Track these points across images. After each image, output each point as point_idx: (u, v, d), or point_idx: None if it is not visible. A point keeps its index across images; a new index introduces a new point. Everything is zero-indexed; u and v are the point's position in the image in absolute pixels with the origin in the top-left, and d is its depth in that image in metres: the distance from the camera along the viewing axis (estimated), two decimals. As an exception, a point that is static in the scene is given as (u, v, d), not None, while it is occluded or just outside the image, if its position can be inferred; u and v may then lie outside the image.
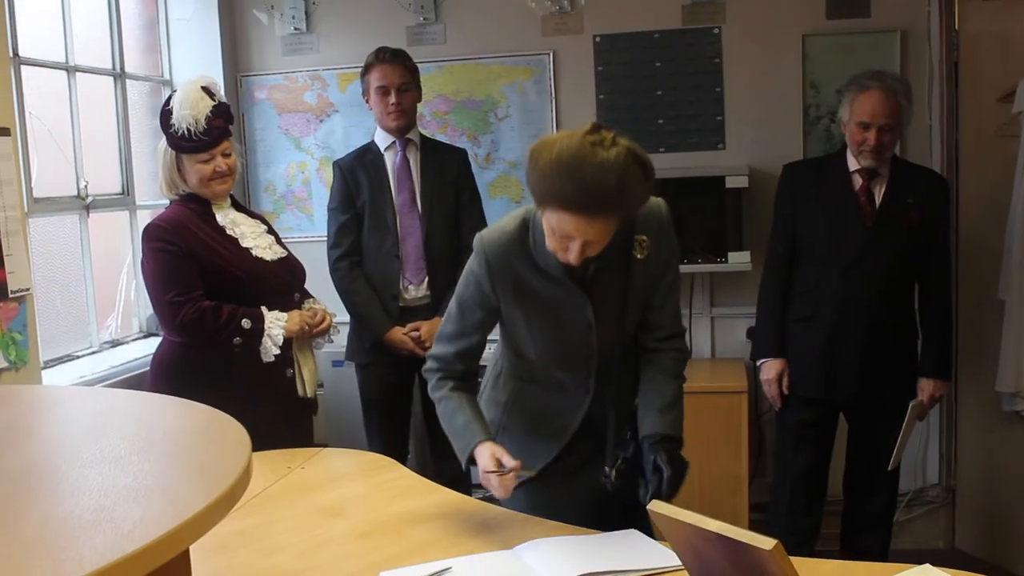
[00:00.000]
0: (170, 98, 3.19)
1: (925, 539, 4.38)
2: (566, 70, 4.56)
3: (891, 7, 4.26)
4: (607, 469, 2.32)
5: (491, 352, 2.61)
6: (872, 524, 3.73)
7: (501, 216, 4.39)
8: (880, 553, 3.63)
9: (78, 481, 1.26)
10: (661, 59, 4.47)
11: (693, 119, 4.47)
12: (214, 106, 3.18)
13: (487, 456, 2.23)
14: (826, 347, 3.57)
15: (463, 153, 4.09)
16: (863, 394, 3.58)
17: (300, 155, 4.82)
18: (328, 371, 4.38)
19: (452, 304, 2.39)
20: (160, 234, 3.15)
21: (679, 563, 2.03)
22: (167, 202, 3.33)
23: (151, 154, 4.32)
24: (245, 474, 1.21)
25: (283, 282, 3.32)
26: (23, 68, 3.62)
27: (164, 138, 3.20)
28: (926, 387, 3.61)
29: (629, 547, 2.16)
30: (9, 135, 3.20)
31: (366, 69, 3.90)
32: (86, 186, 4.01)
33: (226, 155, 3.21)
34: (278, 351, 3.17)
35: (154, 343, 3.43)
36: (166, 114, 3.16)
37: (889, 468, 3.61)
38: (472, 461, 2.30)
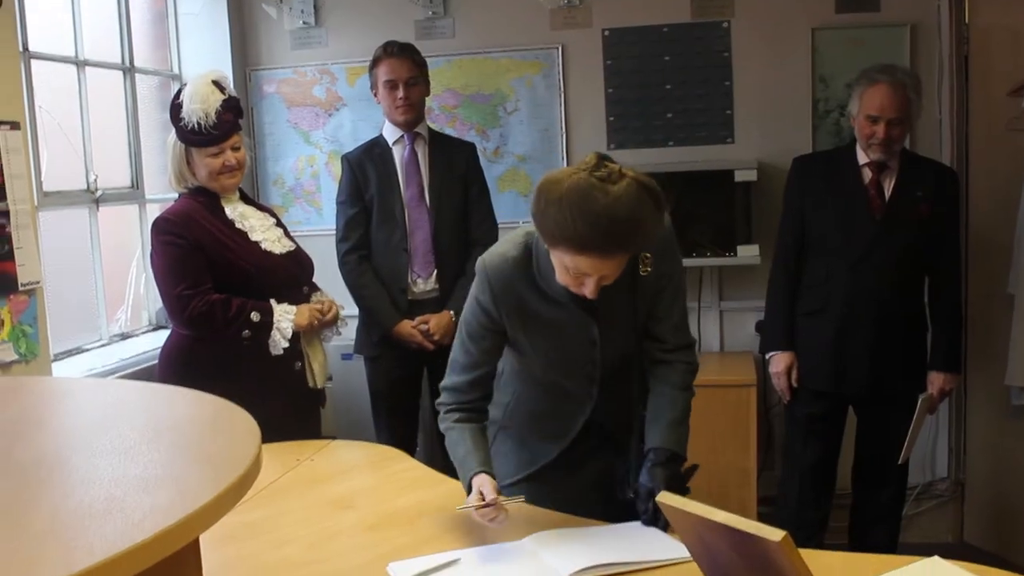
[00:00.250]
0: (180, 91, 3.20)
1: (934, 533, 4.37)
2: (575, 64, 4.56)
3: (901, 1, 4.24)
4: (629, 489, 2.31)
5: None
6: (881, 517, 3.73)
7: (510, 209, 4.46)
8: (888, 546, 3.63)
9: (88, 472, 1.27)
10: (670, 53, 4.46)
11: (702, 113, 4.47)
12: (224, 100, 3.18)
13: (475, 488, 2.21)
14: (836, 340, 3.56)
15: (471, 147, 4.09)
16: (873, 387, 3.57)
17: (309, 149, 4.83)
18: (337, 364, 4.40)
19: (459, 335, 2.35)
20: (169, 227, 3.16)
21: (685, 555, 2.04)
22: (176, 196, 3.34)
23: (160, 148, 4.34)
24: (255, 464, 1.22)
25: (292, 275, 3.33)
26: (33, 62, 3.63)
27: (174, 131, 3.20)
28: (936, 380, 3.61)
29: (638, 539, 2.16)
30: (19, 129, 3.22)
31: (374, 63, 3.90)
32: (95, 180, 4.02)
33: (235, 149, 3.22)
34: (287, 344, 3.18)
35: (163, 336, 3.44)
36: (176, 107, 3.17)
37: (899, 462, 3.61)
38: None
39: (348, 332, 3.76)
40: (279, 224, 3.43)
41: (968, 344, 4.06)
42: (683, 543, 1.84)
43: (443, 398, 2.38)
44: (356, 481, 2.76)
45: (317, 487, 2.63)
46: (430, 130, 4.02)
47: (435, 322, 3.80)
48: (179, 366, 3.20)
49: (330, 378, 4.14)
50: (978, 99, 4.18)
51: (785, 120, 4.37)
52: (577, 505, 2.33)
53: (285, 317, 3.19)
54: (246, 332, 3.13)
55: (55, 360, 3.58)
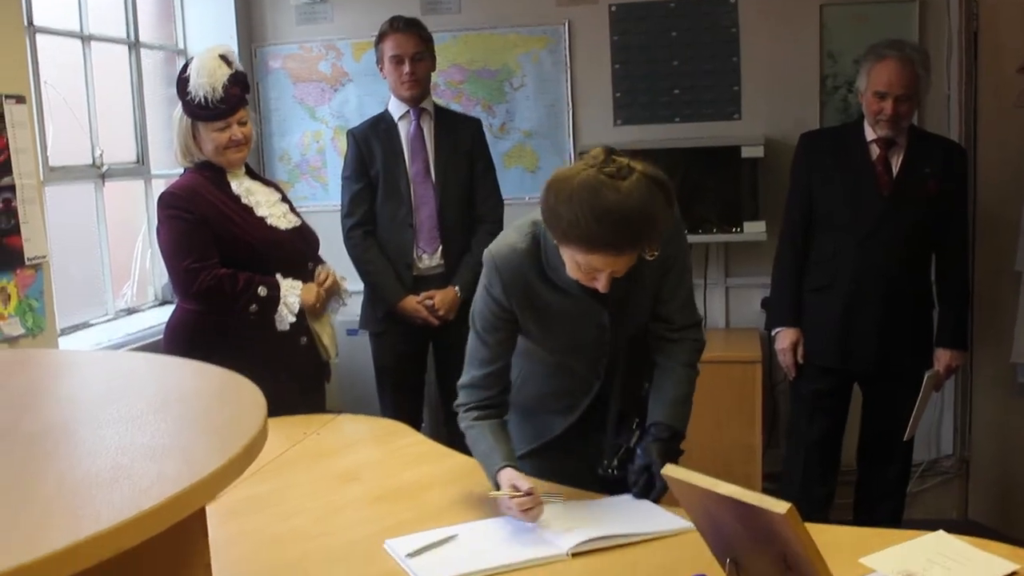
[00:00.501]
0: (187, 65, 3.19)
1: (938, 510, 4.38)
2: (581, 39, 4.53)
3: (910, -24, 4.22)
4: (606, 461, 2.31)
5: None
6: (886, 494, 3.73)
7: (515, 185, 4.45)
8: (893, 522, 3.63)
9: (95, 441, 1.27)
10: (677, 28, 4.44)
11: (709, 89, 4.44)
12: (231, 74, 3.17)
13: (504, 483, 2.17)
14: (843, 317, 3.55)
15: (477, 123, 4.07)
16: (880, 364, 3.57)
17: (315, 124, 4.82)
18: (342, 340, 4.38)
19: (473, 330, 2.32)
20: (175, 202, 3.15)
21: (685, 527, 2.05)
22: (181, 171, 3.33)
23: (166, 123, 4.33)
24: (261, 434, 1.22)
25: (297, 251, 3.33)
26: (38, 37, 3.62)
27: (180, 105, 3.19)
28: (943, 357, 3.61)
29: (634, 512, 2.17)
30: (25, 103, 3.21)
31: (380, 38, 3.88)
32: (101, 155, 4.02)
33: (242, 123, 3.21)
34: (293, 319, 3.18)
35: (169, 311, 3.44)
36: (183, 82, 3.16)
37: (905, 438, 3.61)
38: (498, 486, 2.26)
39: (353, 308, 3.75)
40: (285, 199, 3.43)
41: (975, 321, 4.05)
42: (688, 516, 1.84)
43: (461, 398, 2.35)
44: (362, 455, 2.77)
45: (323, 461, 2.64)
46: (436, 106, 4.00)
47: (440, 298, 3.80)
48: (184, 341, 3.20)
49: (336, 353, 4.15)
50: (987, 75, 4.16)
51: (792, 96, 4.35)
52: (581, 479, 2.33)
53: (292, 292, 3.19)
54: (253, 307, 3.13)
55: (61, 335, 3.58)
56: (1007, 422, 4.18)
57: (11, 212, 3.14)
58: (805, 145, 3.72)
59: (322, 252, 3.47)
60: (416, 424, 3.83)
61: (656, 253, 2.15)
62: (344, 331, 4.38)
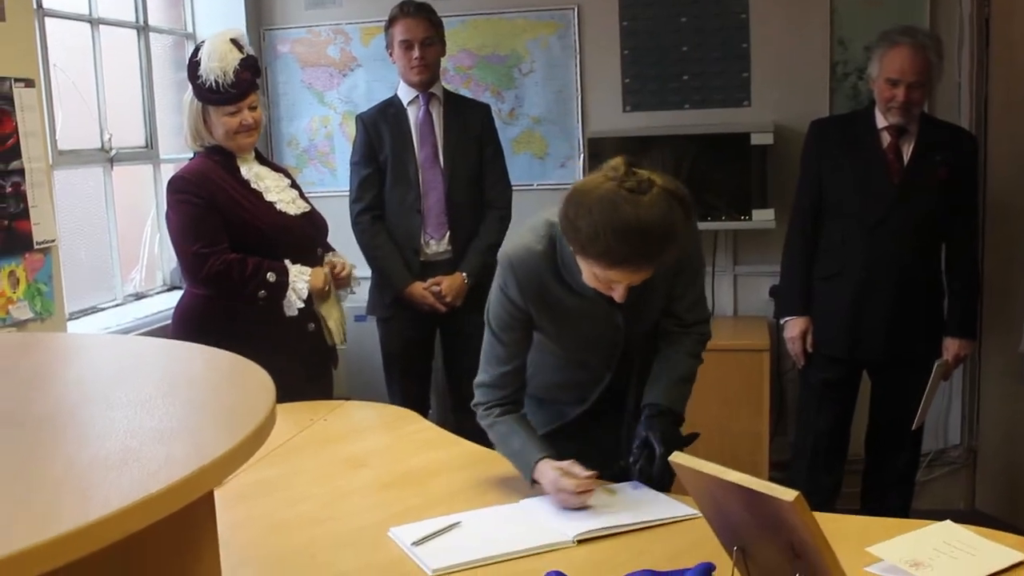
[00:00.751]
0: (198, 49, 3.18)
1: (945, 500, 4.37)
2: (591, 25, 4.52)
3: (922, -38, 4.19)
4: (631, 459, 2.29)
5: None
6: (894, 483, 3.73)
7: (524, 171, 4.45)
8: (901, 512, 3.62)
9: (104, 424, 1.27)
10: (687, 14, 4.42)
11: (718, 75, 4.43)
12: (242, 59, 3.17)
13: (551, 472, 2.15)
14: (853, 305, 3.54)
15: (486, 108, 4.06)
16: (890, 352, 3.56)
17: (323, 109, 4.81)
18: (350, 325, 4.38)
19: (489, 330, 2.31)
20: (185, 186, 3.15)
21: (691, 514, 2.05)
22: (190, 156, 3.33)
23: (174, 108, 4.33)
24: (270, 417, 1.22)
25: (306, 236, 3.32)
26: (47, 20, 3.62)
27: (190, 89, 3.19)
28: (951, 346, 3.59)
29: (640, 499, 2.17)
30: (34, 87, 3.21)
31: (390, 23, 3.87)
32: (110, 139, 4.02)
33: (252, 108, 3.21)
34: (302, 305, 3.18)
35: (177, 296, 3.45)
36: (194, 65, 3.16)
37: (913, 427, 3.60)
38: (534, 480, 2.23)
39: (361, 294, 3.76)
40: (294, 185, 3.43)
41: (983, 311, 4.04)
42: (694, 504, 1.84)
43: (479, 396, 2.34)
44: (369, 441, 2.77)
45: (331, 446, 2.65)
46: (445, 91, 4.00)
47: (447, 284, 3.80)
48: (192, 326, 3.20)
49: (343, 339, 4.16)
50: (999, 63, 4.13)
51: (802, 83, 4.33)
52: (594, 465, 2.32)
53: (300, 278, 3.19)
54: (262, 292, 3.13)
55: (70, 319, 3.59)
56: (1015, 412, 4.17)
57: (20, 196, 3.14)
58: (815, 132, 3.70)
59: (330, 238, 3.47)
60: (423, 410, 3.84)
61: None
62: (352, 317, 4.39)
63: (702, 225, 3.93)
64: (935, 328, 3.61)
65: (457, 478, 2.38)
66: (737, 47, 4.40)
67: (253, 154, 3.32)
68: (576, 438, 2.31)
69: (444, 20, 3.97)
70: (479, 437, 2.58)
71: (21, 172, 3.14)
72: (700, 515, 1.85)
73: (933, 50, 3.46)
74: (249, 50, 3.23)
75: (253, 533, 2.10)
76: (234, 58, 3.14)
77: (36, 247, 3.21)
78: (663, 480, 2.20)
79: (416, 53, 3.80)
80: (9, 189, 3.10)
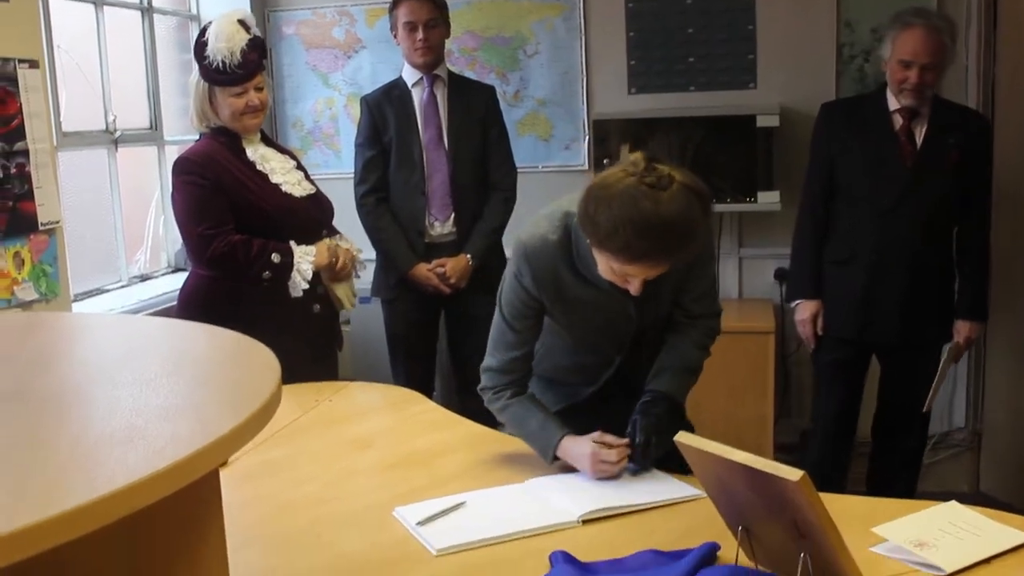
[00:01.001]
0: (205, 29, 3.17)
1: (950, 482, 4.37)
2: (596, 7, 4.50)
3: (930, -57, 4.17)
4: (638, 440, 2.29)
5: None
6: (901, 466, 3.71)
7: (529, 153, 4.44)
8: (907, 495, 3.63)
9: (109, 402, 1.27)
10: (693, -4, 4.41)
11: (724, 57, 4.41)
12: (249, 40, 3.16)
13: (587, 446, 2.18)
14: (864, 289, 3.51)
15: (491, 90, 4.05)
16: (901, 336, 3.53)
17: (328, 91, 4.80)
18: (354, 308, 4.40)
19: (499, 316, 2.32)
20: (190, 167, 3.15)
21: (696, 495, 2.06)
22: (195, 138, 3.33)
23: (179, 89, 4.33)
24: (275, 395, 1.22)
25: (312, 218, 3.32)
26: (51, 1, 3.61)
27: (196, 70, 3.18)
28: (962, 329, 3.57)
29: (645, 480, 2.18)
30: (38, 68, 3.20)
31: (394, 4, 3.86)
32: (114, 120, 4.01)
33: (259, 89, 3.20)
34: (307, 286, 3.18)
35: (182, 278, 3.45)
36: (201, 46, 3.15)
37: (924, 410, 3.59)
38: (555, 458, 2.25)
39: (366, 276, 3.75)
40: (300, 167, 3.42)
41: (990, 293, 4.02)
42: (700, 484, 1.84)
43: (487, 381, 2.35)
44: (374, 422, 2.77)
45: (336, 427, 2.65)
46: (449, 72, 3.98)
47: (451, 265, 3.80)
48: (198, 307, 3.20)
49: (347, 322, 4.16)
50: (1006, 44, 4.11)
51: (809, 65, 4.32)
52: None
53: (305, 259, 3.19)
54: (266, 273, 3.13)
55: (75, 300, 3.60)
56: (1021, 395, 4.16)
57: (25, 177, 3.14)
58: (825, 115, 3.66)
59: (335, 220, 3.47)
60: (428, 392, 3.84)
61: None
62: (356, 299, 4.38)
63: (707, 207, 3.93)
64: (946, 311, 3.59)
65: (462, 458, 2.39)
66: (743, 29, 4.38)
67: (259, 136, 3.32)
68: (585, 419, 2.30)
69: (449, 2, 3.96)
70: (483, 418, 2.58)
71: (26, 153, 3.14)
72: (705, 496, 1.86)
73: (947, 33, 3.41)
74: (256, 31, 3.22)
75: (259, 513, 2.10)
76: (241, 39, 3.13)
77: (41, 228, 3.21)
78: (646, 464, 2.21)
79: (420, 35, 3.78)
80: (14, 170, 3.10)
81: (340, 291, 3.36)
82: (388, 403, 2.95)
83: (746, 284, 4.53)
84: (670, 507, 2.05)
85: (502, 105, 4.10)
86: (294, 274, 3.16)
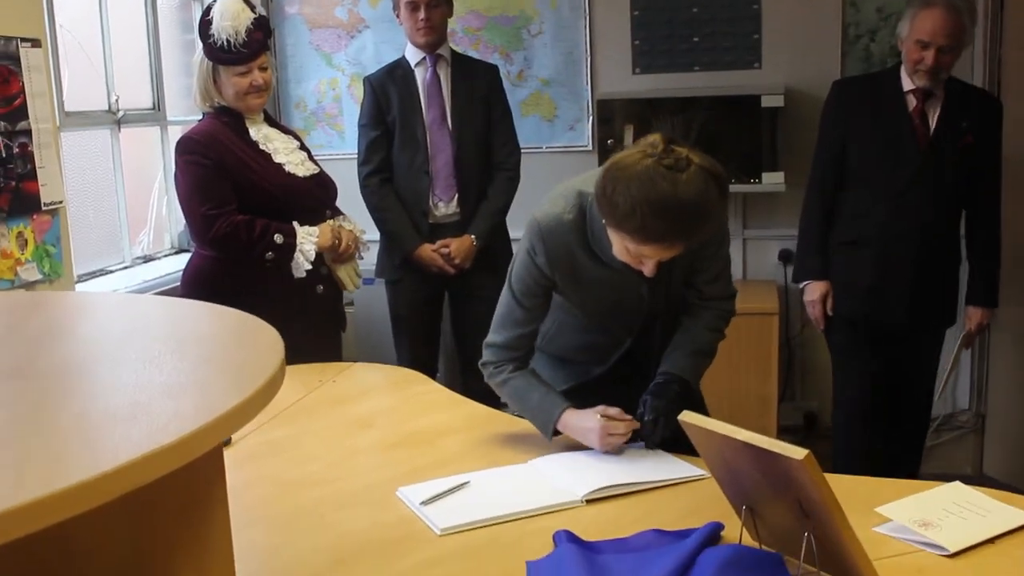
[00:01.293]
0: (209, 8, 3.17)
1: (953, 464, 4.37)
2: (600, -15, 4.48)
3: (936, -78, 4.13)
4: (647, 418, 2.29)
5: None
6: (903, 449, 3.69)
7: (533, 133, 4.43)
8: (909, 477, 3.61)
9: (113, 380, 1.27)
10: (697, -25, 4.38)
11: (729, 37, 4.39)
12: (254, 19, 3.15)
13: (592, 420, 2.19)
14: (874, 272, 3.46)
15: (494, 69, 4.03)
16: (910, 320, 3.49)
17: (331, 71, 4.79)
18: (358, 289, 4.40)
19: (508, 292, 2.32)
20: (193, 147, 3.14)
21: (694, 475, 2.07)
22: (198, 118, 3.32)
23: (182, 69, 4.31)
24: (279, 373, 1.21)
25: (315, 198, 3.32)
26: (53, -21, 3.59)
27: (200, 49, 3.17)
28: (974, 316, 3.55)
29: (649, 460, 2.18)
30: (40, 47, 3.19)
31: (397, -17, 3.84)
32: (117, 100, 4.00)
33: (263, 69, 3.20)
34: (309, 266, 3.18)
35: (186, 259, 3.45)
36: (205, 24, 3.14)
37: (936, 397, 3.56)
38: (555, 432, 2.25)
39: (369, 256, 3.74)
40: (303, 147, 3.42)
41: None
42: (704, 464, 1.84)
43: (490, 355, 2.35)
44: (377, 402, 2.77)
45: (339, 407, 2.65)
46: (452, 52, 3.97)
47: (456, 246, 3.79)
48: (201, 288, 3.20)
49: (350, 303, 4.15)
50: (1014, 25, 4.08)
51: (814, 45, 4.30)
52: None
53: (308, 239, 3.19)
54: (269, 254, 3.13)
55: (78, 281, 3.59)
56: (1024, 377, 4.16)
57: (27, 157, 3.13)
58: (838, 93, 3.59)
59: (339, 201, 3.47)
60: (431, 373, 3.84)
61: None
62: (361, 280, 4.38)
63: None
64: (950, 295, 3.56)
65: (465, 438, 2.39)
66: (747, 8, 4.35)
67: (262, 115, 3.31)
68: (594, 399, 2.31)
69: (452, -19, 3.94)
70: (487, 398, 2.59)
71: (28, 133, 3.13)
72: (709, 476, 1.86)
73: (966, 14, 3.33)
74: (260, 10, 3.22)
75: (262, 493, 2.10)
76: (246, 17, 3.13)
77: (44, 208, 3.20)
78: (651, 444, 2.22)
79: (422, 15, 3.77)
80: (16, 150, 3.09)
81: (343, 272, 3.36)
82: (391, 383, 2.94)
83: (750, 265, 4.52)
84: (674, 487, 2.05)
85: (506, 85, 4.08)
86: (297, 255, 3.16)
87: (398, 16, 3.87)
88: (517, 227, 3.83)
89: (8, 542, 0.84)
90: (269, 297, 3.06)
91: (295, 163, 3.29)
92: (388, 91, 3.84)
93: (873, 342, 3.62)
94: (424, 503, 1.97)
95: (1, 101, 3.04)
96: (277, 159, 3.25)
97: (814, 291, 3.60)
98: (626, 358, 2.41)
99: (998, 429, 4.34)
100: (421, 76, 3.86)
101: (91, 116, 3.89)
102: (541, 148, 4.55)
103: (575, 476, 2.09)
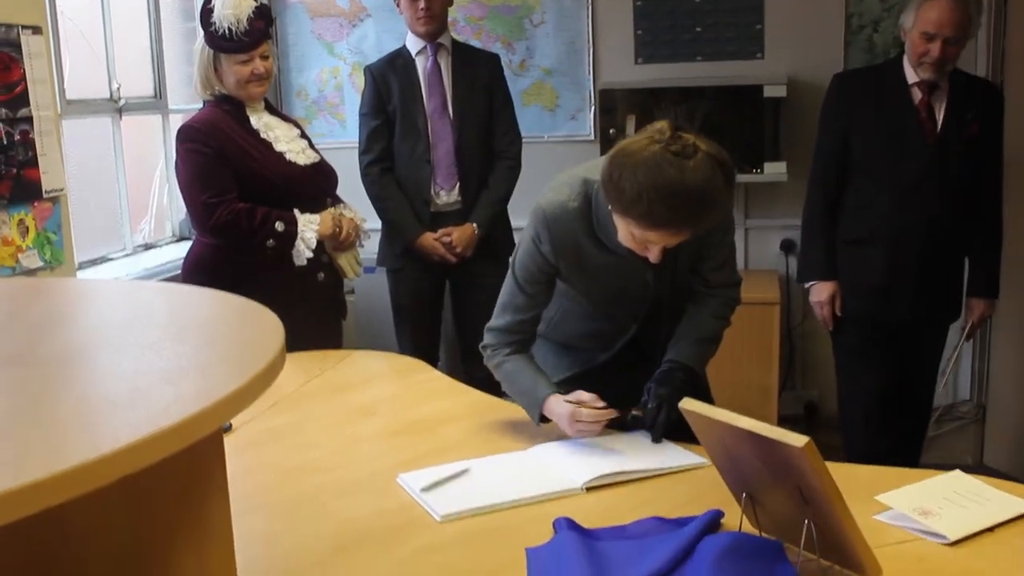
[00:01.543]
0: (212, -5, 3.16)
1: (954, 455, 4.36)
2: (603, -25, 4.47)
3: (940, -89, 4.11)
4: (649, 406, 2.29)
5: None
6: (905, 443, 3.64)
7: (534, 123, 4.42)
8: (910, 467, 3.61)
9: (113, 365, 1.27)
10: (700, -36, 4.37)
11: (731, 27, 4.38)
12: (256, 7, 3.15)
13: (564, 405, 2.19)
14: (885, 270, 3.38)
15: (495, 58, 4.02)
16: (916, 315, 3.43)
17: (333, 60, 4.78)
18: (359, 277, 4.40)
19: (512, 278, 2.32)
20: (194, 135, 3.14)
21: (694, 463, 2.07)
22: (200, 107, 3.31)
23: (183, 58, 4.30)
24: (279, 357, 1.21)
25: (316, 187, 3.32)
26: (54, -33, 3.59)
27: (201, 36, 3.17)
28: (977, 307, 3.52)
29: (649, 448, 2.18)
30: (41, 34, 3.19)
31: (397, -27, 3.84)
32: (118, 88, 4.00)
33: (264, 57, 3.19)
34: (311, 254, 3.18)
35: (187, 247, 3.45)
36: (207, 12, 3.13)
37: (939, 389, 3.54)
38: (543, 419, 2.26)
39: (371, 245, 3.74)
40: (303, 135, 3.41)
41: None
42: (704, 452, 1.84)
43: (490, 339, 2.35)
44: (379, 390, 2.78)
45: (340, 395, 2.65)
46: (453, 41, 3.96)
47: (458, 235, 3.79)
48: (201, 276, 3.20)
49: (352, 291, 4.15)
50: (1017, 15, 4.06)
51: (817, 35, 4.28)
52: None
53: (309, 227, 3.19)
54: (270, 242, 3.13)
55: (79, 269, 3.59)
56: (1025, 367, 4.16)
57: (28, 144, 3.13)
58: (839, 86, 3.50)
59: (340, 190, 3.46)
60: (432, 362, 3.84)
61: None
62: (361, 269, 4.38)
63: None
64: (956, 289, 3.52)
65: (466, 426, 2.39)
66: (750, -2, 4.35)
67: (263, 104, 3.31)
68: (599, 386, 2.31)
69: (454, -29, 3.93)
70: (488, 386, 2.58)
71: (29, 120, 3.13)
72: (709, 464, 1.86)
73: (972, 4, 3.28)
74: (263, -2, 3.21)
75: (262, 479, 2.11)
76: (248, 6, 3.12)
77: (45, 196, 3.20)
78: (656, 432, 2.21)
79: (422, 4, 3.76)
80: (17, 137, 3.09)
81: (344, 260, 3.36)
82: (392, 371, 2.95)
83: (752, 255, 4.52)
84: (674, 475, 2.05)
85: (508, 75, 4.07)
86: (298, 243, 3.16)
87: (399, 5, 3.87)
88: (518, 216, 3.84)
89: (8, 525, 0.84)
90: (270, 285, 3.05)
91: (296, 151, 3.29)
92: (389, 80, 3.83)
93: (882, 341, 3.52)
94: (425, 490, 1.98)
95: (2, 88, 3.04)
96: (278, 147, 3.25)
97: (822, 292, 3.51)
98: (631, 345, 2.41)
99: (999, 420, 4.34)
100: (422, 65, 3.85)
101: (92, 104, 3.89)
102: (543, 138, 4.55)
103: (575, 463, 2.09)
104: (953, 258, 3.50)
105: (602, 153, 4.04)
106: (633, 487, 2.01)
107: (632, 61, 4.48)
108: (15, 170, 3.08)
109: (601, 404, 2.19)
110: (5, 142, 3.04)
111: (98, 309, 1.71)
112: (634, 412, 2.26)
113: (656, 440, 2.20)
